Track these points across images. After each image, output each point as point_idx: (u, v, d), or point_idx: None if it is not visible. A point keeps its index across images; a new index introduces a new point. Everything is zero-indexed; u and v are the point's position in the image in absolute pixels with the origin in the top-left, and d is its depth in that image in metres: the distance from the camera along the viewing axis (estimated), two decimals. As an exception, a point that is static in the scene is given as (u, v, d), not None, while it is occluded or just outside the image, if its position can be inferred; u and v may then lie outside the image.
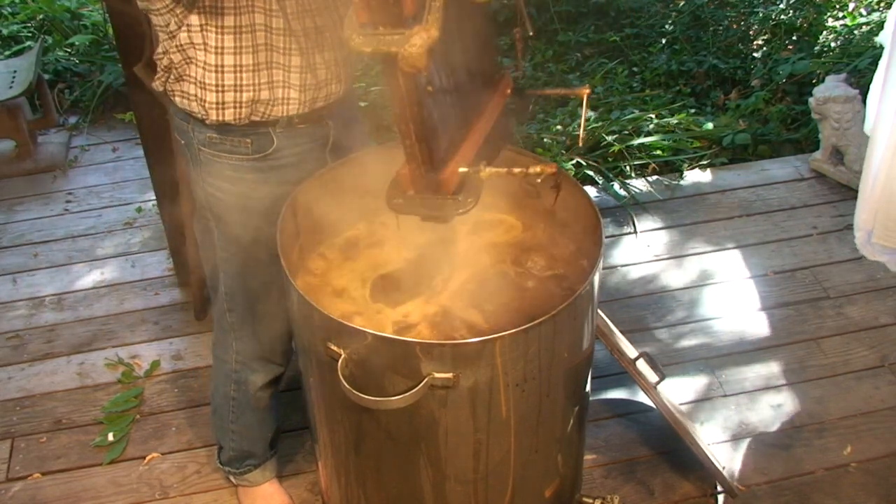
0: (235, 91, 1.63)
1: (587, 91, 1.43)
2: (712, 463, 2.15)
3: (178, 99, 1.70)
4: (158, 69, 1.69)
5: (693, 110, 3.88)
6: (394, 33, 1.17)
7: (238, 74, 1.61)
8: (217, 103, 1.64)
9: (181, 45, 1.60)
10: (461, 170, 1.40)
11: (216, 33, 1.57)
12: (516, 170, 1.40)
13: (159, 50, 1.66)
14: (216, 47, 1.58)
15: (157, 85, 1.72)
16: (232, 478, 2.26)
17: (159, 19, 1.60)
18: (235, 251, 1.83)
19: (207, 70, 1.61)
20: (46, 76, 4.04)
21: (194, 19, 1.56)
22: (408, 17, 1.17)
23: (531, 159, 1.48)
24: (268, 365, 2.02)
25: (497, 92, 1.57)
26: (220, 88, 1.62)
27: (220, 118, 1.65)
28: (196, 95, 1.65)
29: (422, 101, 1.26)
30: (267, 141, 1.72)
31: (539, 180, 1.43)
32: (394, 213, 1.48)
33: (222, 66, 1.60)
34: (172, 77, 1.67)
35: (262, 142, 1.72)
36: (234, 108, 1.64)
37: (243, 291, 1.90)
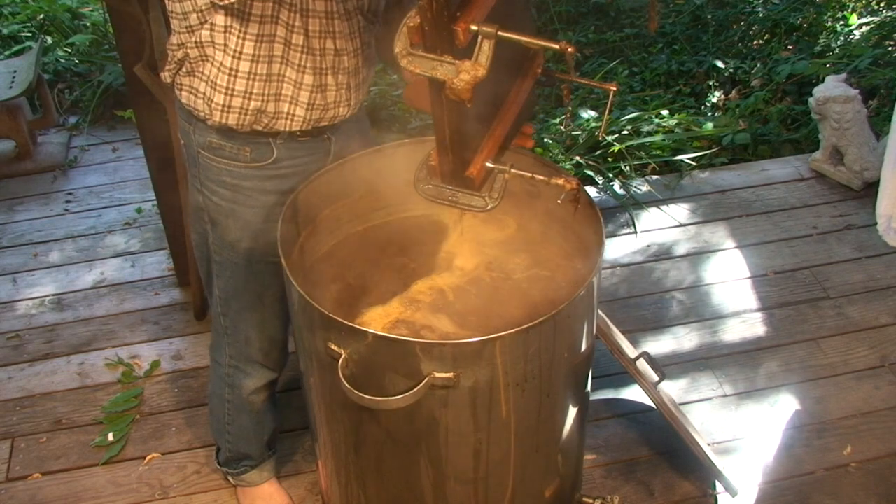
0: (244, 98, 1.63)
1: (614, 87, 1.48)
2: (712, 463, 2.15)
3: (184, 93, 1.69)
4: (169, 60, 1.68)
5: (693, 110, 3.88)
6: (444, 60, 1.22)
7: (250, 82, 1.61)
8: (224, 105, 1.63)
9: (201, 42, 1.59)
10: (488, 165, 1.45)
11: (238, 37, 1.56)
12: (539, 177, 1.48)
13: (173, 41, 1.65)
14: (235, 51, 1.58)
15: (165, 76, 1.71)
16: (230, 478, 2.26)
17: (176, 6, 1.59)
18: (230, 256, 1.83)
19: (222, 71, 1.60)
20: (46, 76, 4.03)
21: (220, 19, 1.55)
22: (459, 48, 1.21)
23: (554, 170, 1.52)
24: (261, 369, 2.01)
25: (528, 73, 1.59)
26: (229, 92, 1.62)
27: (224, 121, 1.65)
28: (204, 94, 1.65)
29: (460, 113, 1.31)
30: (266, 151, 1.72)
31: (562, 198, 1.49)
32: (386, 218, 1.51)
33: (237, 70, 1.60)
34: (184, 70, 1.67)
35: (261, 151, 1.72)
36: (240, 113, 1.64)
37: (237, 296, 1.89)
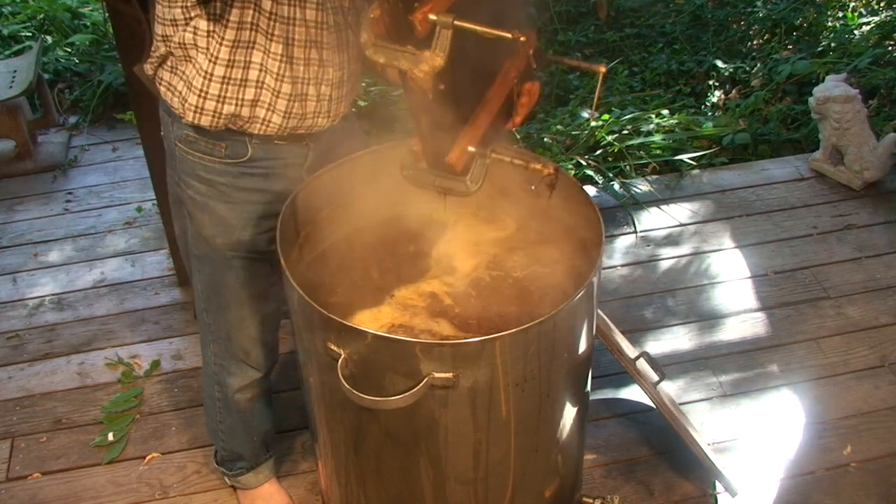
0: (217, 101, 1.63)
1: (603, 69, 1.48)
2: (712, 463, 2.15)
3: (162, 89, 1.69)
4: (152, 52, 1.68)
5: (693, 110, 3.88)
6: (406, 50, 1.23)
7: (224, 86, 1.61)
8: (196, 107, 1.64)
9: (184, 44, 1.59)
10: (470, 149, 1.45)
11: (217, 42, 1.57)
12: (518, 161, 1.47)
13: (158, 31, 1.64)
14: (212, 55, 1.58)
15: (147, 68, 1.71)
16: (227, 479, 2.26)
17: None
18: (206, 251, 1.83)
19: (199, 73, 1.61)
20: (46, 76, 4.04)
21: (203, 24, 1.56)
22: (419, 38, 1.22)
23: (534, 156, 1.52)
24: (245, 368, 2.00)
25: (519, 55, 1.58)
26: (203, 94, 1.62)
27: (196, 122, 1.65)
28: (180, 93, 1.65)
29: (433, 99, 1.31)
30: (241, 149, 1.71)
31: (536, 183, 1.48)
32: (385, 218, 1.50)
33: (212, 74, 1.60)
34: (166, 66, 1.67)
35: (236, 148, 1.71)
36: (213, 116, 1.64)
37: (216, 293, 1.89)
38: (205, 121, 1.65)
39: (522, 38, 1.27)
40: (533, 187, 1.50)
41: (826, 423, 2.46)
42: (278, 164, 1.76)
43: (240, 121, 1.66)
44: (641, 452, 2.39)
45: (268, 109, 1.65)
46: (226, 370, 2.00)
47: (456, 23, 1.21)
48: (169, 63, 1.66)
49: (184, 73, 1.63)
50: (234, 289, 1.86)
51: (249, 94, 1.63)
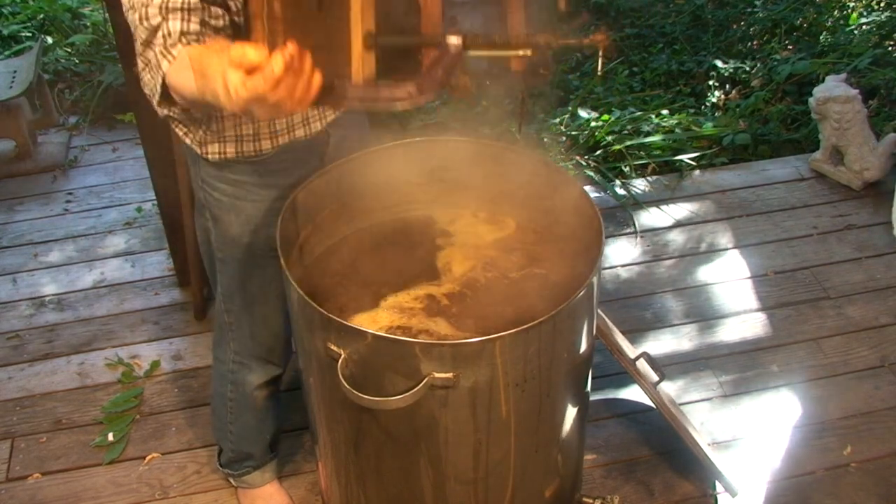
0: (237, 142, 1.65)
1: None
2: (712, 463, 2.15)
3: (176, 130, 1.71)
4: (157, 110, 1.69)
5: (693, 110, 3.88)
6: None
7: (238, 126, 1.62)
8: (219, 151, 1.67)
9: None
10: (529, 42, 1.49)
11: None
12: (572, 40, 1.55)
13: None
14: (216, 114, 1.60)
15: (158, 110, 1.72)
16: (231, 480, 2.26)
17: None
18: (232, 251, 1.84)
19: (208, 136, 1.63)
20: (46, 76, 4.04)
21: None
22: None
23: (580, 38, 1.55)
24: (265, 365, 2.02)
25: None
26: (221, 138, 1.65)
27: (222, 160, 1.69)
28: (196, 140, 1.68)
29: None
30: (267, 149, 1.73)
31: (601, 60, 1.50)
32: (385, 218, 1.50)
33: (223, 129, 1.62)
34: (176, 118, 1.68)
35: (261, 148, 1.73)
36: (236, 154, 1.68)
37: (240, 291, 1.90)
38: (230, 157, 1.68)
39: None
40: (601, 69, 1.52)
41: (826, 423, 2.46)
42: (302, 155, 1.77)
43: (266, 149, 1.68)
44: (641, 452, 2.39)
45: (288, 132, 1.67)
46: (245, 367, 2.01)
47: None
48: (177, 119, 1.68)
49: (193, 127, 1.66)
50: (260, 286, 1.88)
51: (265, 127, 1.65)
